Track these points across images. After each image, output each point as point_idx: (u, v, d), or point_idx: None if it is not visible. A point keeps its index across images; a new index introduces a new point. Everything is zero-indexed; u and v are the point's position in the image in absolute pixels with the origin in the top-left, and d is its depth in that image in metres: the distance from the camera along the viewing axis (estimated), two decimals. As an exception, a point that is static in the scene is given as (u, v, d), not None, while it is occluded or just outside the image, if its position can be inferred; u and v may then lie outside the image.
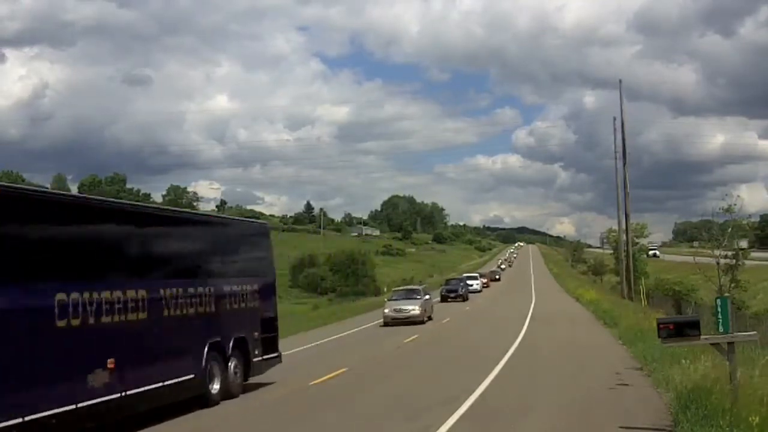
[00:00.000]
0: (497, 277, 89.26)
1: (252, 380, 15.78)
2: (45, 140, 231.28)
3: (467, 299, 53.34)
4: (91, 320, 10.69)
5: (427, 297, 37.37)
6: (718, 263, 35.58)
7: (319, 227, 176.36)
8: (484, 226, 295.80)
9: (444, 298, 52.99)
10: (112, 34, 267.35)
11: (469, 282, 63.41)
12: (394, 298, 37.70)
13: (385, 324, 34.23)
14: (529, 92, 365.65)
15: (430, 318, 35.95)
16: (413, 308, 34.56)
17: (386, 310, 35.28)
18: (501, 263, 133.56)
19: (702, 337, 9.94)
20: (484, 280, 73.08)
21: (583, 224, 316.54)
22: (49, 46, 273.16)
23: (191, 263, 14.19)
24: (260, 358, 15.84)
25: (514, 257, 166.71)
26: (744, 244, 36.71)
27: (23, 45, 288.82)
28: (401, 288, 44.08)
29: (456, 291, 54.76)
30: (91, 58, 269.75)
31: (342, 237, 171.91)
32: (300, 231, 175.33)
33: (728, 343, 9.84)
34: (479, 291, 64.30)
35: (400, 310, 34.59)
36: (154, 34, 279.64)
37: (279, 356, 17.02)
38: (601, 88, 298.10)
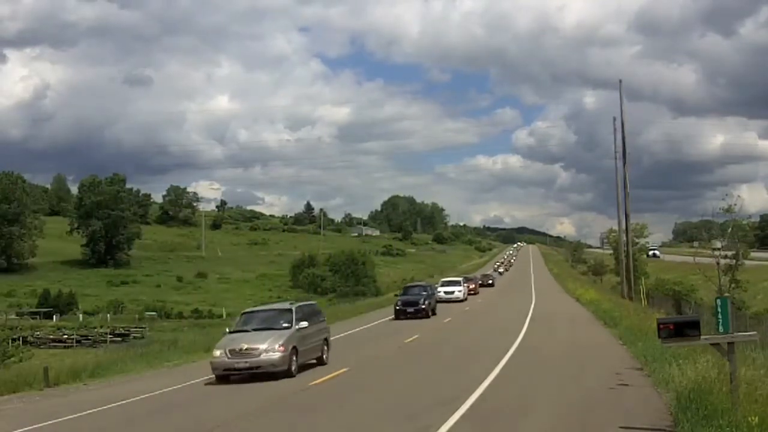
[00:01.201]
0: (490, 282, 77.02)
1: None
2: (46, 140, 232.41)
3: (434, 314, 39.27)
4: None
5: (304, 325, 19.58)
6: (718, 263, 35.61)
7: (320, 227, 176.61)
8: (484, 226, 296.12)
9: (398, 314, 38.23)
10: (113, 34, 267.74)
11: (447, 289, 52.08)
12: (240, 327, 20.02)
13: (218, 379, 18.66)
14: (529, 92, 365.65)
15: (319, 361, 20.59)
16: (266, 348, 18.25)
17: (217, 353, 18.71)
18: (498, 266, 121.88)
19: (702, 337, 9.94)
20: (471, 286, 61.64)
21: (584, 224, 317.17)
22: (51, 46, 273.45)
23: None
24: None
25: (513, 260, 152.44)
26: (718, 244, 36.71)
27: (25, 45, 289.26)
28: (256, 308, 23.58)
29: (416, 304, 38.75)
30: (92, 58, 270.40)
31: (342, 237, 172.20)
32: (300, 231, 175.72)
33: (728, 343, 9.84)
34: (461, 300, 51.49)
35: (243, 353, 18.34)
36: (155, 35, 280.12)
37: None
38: (601, 88, 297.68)
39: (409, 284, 50.52)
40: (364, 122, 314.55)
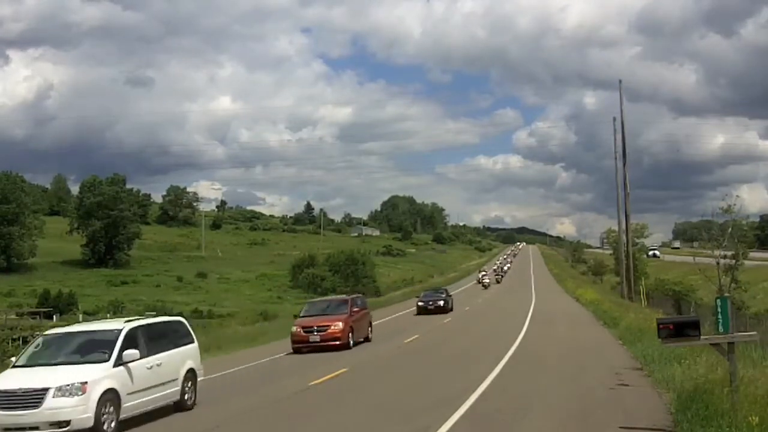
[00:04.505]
0: (440, 303, 44.67)
1: None
2: (48, 141, 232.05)
3: None
4: None
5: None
6: (717, 263, 35.58)
7: (320, 227, 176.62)
8: (484, 226, 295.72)
9: None
10: (116, 35, 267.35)
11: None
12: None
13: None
14: (530, 93, 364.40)
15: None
16: (333, 326, 25.27)
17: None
18: (482, 276, 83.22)
19: (702, 337, 9.93)
20: (336, 325, 26.31)
21: (584, 224, 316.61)
22: (53, 47, 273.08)
23: None
24: None
25: (508, 266, 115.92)
26: (677, 243, 36.93)
27: (28, 46, 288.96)
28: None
29: None
30: (94, 59, 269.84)
31: (342, 237, 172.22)
32: (300, 231, 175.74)
33: (728, 343, 9.83)
34: None
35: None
36: (157, 36, 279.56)
37: None
38: (601, 88, 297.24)
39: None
40: (366, 123, 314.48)
